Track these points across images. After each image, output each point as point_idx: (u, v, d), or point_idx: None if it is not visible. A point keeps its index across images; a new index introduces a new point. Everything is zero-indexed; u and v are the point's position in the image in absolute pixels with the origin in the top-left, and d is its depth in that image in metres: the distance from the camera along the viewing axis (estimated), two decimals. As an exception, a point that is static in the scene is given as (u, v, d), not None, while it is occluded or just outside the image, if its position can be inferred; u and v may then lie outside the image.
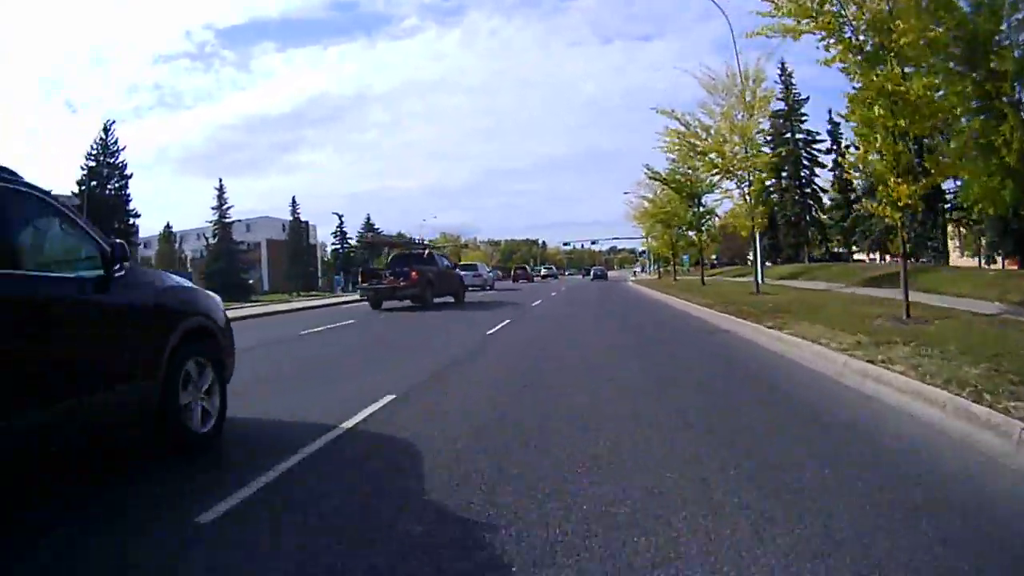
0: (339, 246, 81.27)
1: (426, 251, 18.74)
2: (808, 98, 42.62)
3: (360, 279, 17.03)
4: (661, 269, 44.41)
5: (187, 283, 3.75)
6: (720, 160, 14.55)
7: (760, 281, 17.07)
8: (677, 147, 15.45)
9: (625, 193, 41.40)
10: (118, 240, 3.03)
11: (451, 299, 17.55)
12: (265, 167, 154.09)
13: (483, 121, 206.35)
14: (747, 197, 14.75)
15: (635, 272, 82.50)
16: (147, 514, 2.47)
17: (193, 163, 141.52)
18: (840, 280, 19.35)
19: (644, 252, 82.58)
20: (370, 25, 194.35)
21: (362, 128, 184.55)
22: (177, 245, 68.47)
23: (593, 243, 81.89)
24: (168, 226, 67.63)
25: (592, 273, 62.68)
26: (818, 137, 41.19)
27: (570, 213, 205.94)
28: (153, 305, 3.17)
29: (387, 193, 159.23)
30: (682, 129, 15.20)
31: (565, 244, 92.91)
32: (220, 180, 64.25)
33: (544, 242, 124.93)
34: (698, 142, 14.67)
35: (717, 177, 15.49)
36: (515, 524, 2.26)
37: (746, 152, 14.43)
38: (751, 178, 14.54)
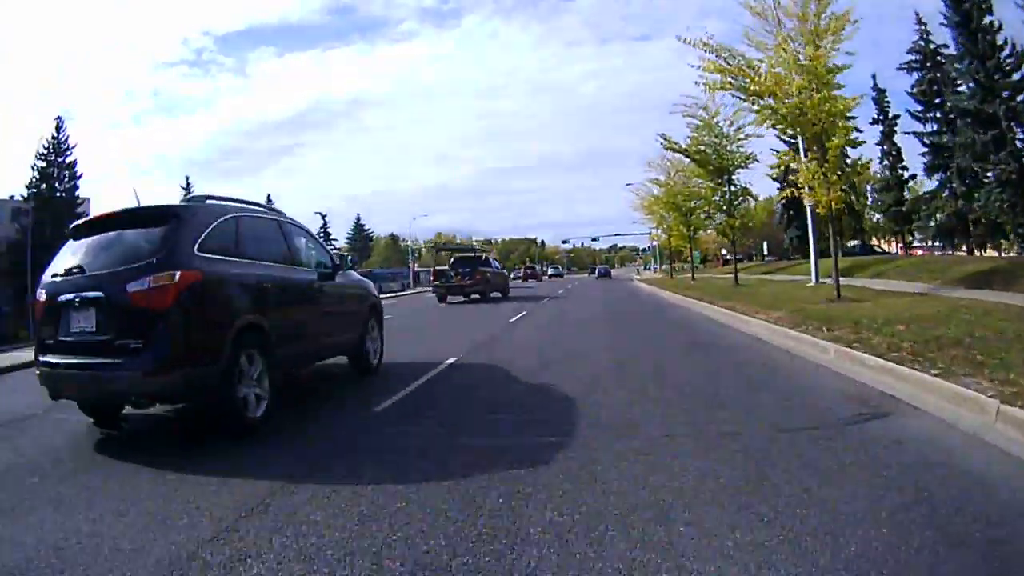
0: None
1: (483, 255, 22.87)
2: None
3: (432, 277, 21.57)
4: (673, 266, 38.96)
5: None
6: (779, 105, 9.47)
7: (819, 280, 15.65)
8: (719, 87, 10.31)
9: (628, 184, 36.78)
10: (345, 254, 7.00)
11: (499, 294, 21.22)
12: (264, 171, 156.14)
13: (482, 123, 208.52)
14: (816, 159, 11.14)
15: (638, 270, 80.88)
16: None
17: (192, 169, 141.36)
18: (924, 279, 15.31)
19: (647, 249, 78.08)
20: (367, 29, 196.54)
21: (361, 131, 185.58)
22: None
23: (594, 240, 78.62)
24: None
25: (596, 272, 67.73)
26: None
27: (570, 213, 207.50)
28: (356, 291, 6.24)
29: (386, 195, 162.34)
30: (723, 64, 9.96)
31: (564, 242, 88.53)
32: (187, 178, 59.63)
33: (543, 241, 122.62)
34: (749, 79, 9.51)
35: (776, 129, 10.59)
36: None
37: (817, 94, 10.62)
38: (824, 130, 10.81)
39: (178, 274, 3.73)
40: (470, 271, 19.78)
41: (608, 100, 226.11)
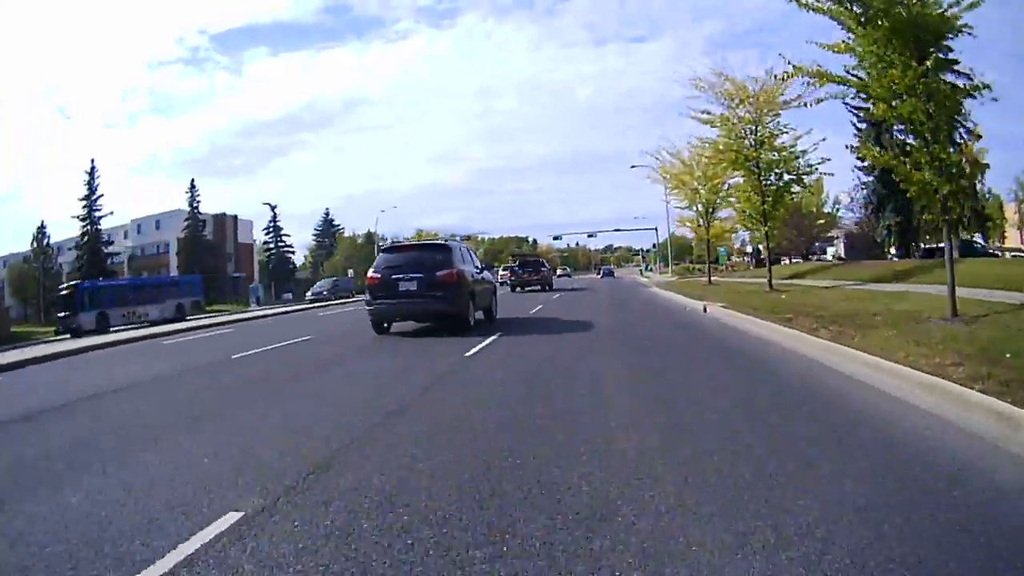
0: (272, 245, 64.62)
1: (540, 259, 36.42)
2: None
3: (509, 275, 33.36)
4: (714, 266, 28.16)
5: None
6: None
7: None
8: None
9: (634, 166, 38.46)
10: (488, 263, 18.90)
11: (547, 286, 32.15)
12: (260, 170, 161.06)
13: (478, 123, 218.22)
14: None
15: (641, 271, 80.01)
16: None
17: (187, 167, 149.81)
18: None
19: (654, 246, 75.48)
20: (363, 28, 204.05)
21: (356, 131, 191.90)
22: (55, 254, 58.30)
23: (590, 236, 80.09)
24: (42, 228, 51.45)
25: (601, 272, 76.38)
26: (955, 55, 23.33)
27: (565, 214, 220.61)
28: (490, 280, 13.50)
29: (381, 195, 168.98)
30: None
31: (556, 238, 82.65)
32: (92, 162, 52.41)
33: (535, 239, 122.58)
34: None
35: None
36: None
37: None
38: None
39: (455, 270, 10.71)
40: (533, 270, 31.73)
41: (604, 101, 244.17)
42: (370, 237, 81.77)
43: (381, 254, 11.94)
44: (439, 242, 13.21)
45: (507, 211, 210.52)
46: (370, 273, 11.25)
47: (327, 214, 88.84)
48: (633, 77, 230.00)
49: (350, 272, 68.01)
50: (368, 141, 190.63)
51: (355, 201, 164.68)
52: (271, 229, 71.31)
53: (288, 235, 72.86)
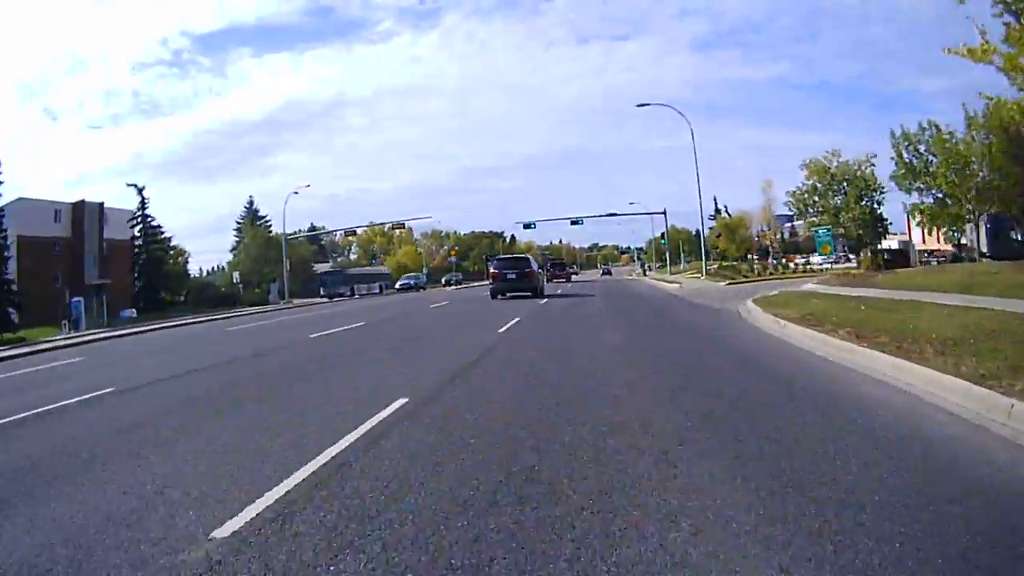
0: (141, 241, 47.59)
1: (564, 261, 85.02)
2: None
3: (547, 271, 62.52)
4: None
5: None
6: None
7: None
8: None
9: (641, 105, 33.64)
10: (542, 264, 69.24)
11: (568, 280, 73.56)
12: (242, 171, 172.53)
13: (461, 122, 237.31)
14: None
15: (643, 270, 73.11)
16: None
17: (171, 168, 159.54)
18: None
19: (663, 239, 64.83)
20: (346, 30, 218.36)
21: (339, 131, 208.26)
22: None
23: (574, 223, 64.08)
24: None
25: (602, 270, 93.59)
26: None
27: (547, 212, 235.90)
28: (542, 271, 45.22)
29: (364, 195, 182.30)
30: None
31: (527, 227, 71.52)
32: None
33: (513, 236, 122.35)
34: None
35: None
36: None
37: None
38: None
39: (533, 269, 30.72)
40: (560, 269, 64.25)
41: (587, 99, 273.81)
42: (313, 228, 78.55)
43: (495, 260, 33.82)
44: (523, 255, 36.23)
45: (488, 209, 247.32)
46: (491, 269, 31.36)
47: (250, 204, 74.19)
48: (617, 75, 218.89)
49: (235, 276, 51.26)
50: (352, 141, 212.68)
51: (338, 201, 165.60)
52: (139, 220, 57.99)
53: (160, 227, 59.81)
